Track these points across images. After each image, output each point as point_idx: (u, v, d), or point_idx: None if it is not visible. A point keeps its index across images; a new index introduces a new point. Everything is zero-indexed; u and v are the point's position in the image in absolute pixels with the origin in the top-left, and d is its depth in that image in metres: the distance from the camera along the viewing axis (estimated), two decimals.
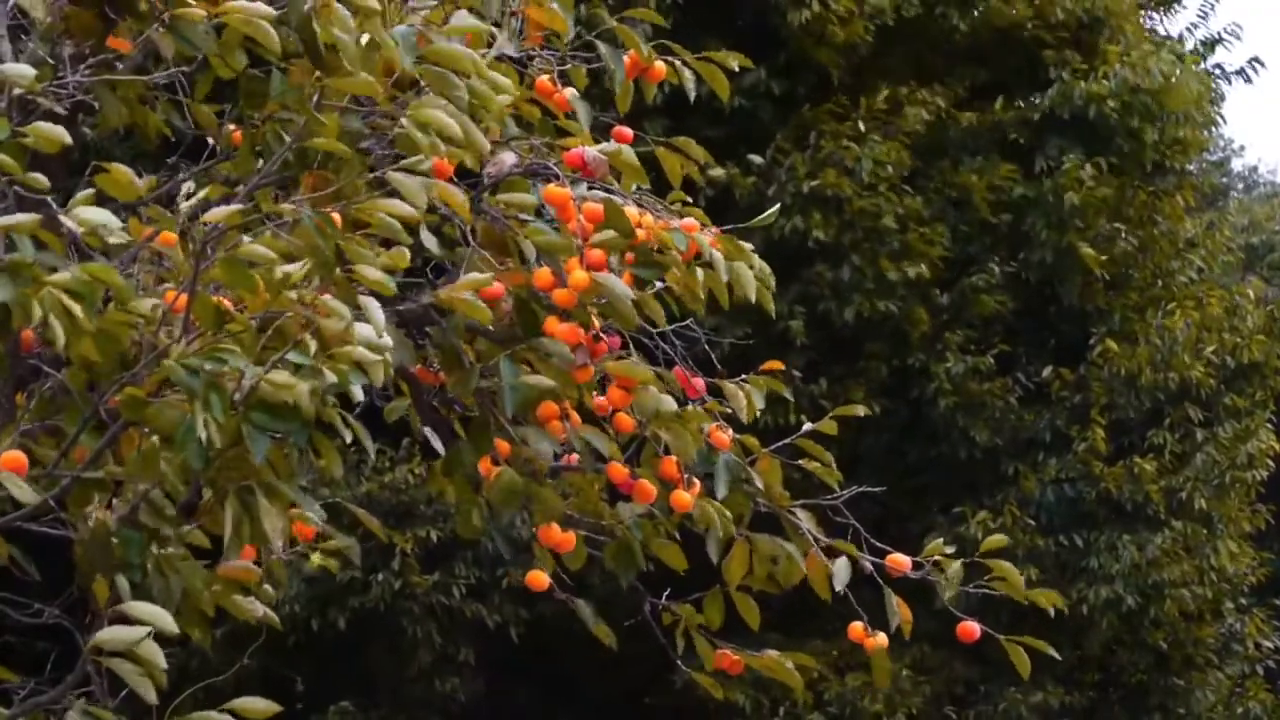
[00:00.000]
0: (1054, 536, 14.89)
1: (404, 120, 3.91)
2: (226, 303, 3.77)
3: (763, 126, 14.84)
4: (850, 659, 14.52)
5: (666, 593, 5.04)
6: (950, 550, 4.97)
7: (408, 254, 4.02)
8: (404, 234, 3.94)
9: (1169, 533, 14.98)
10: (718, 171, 14.03)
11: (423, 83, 4.08)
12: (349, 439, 3.94)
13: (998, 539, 5.03)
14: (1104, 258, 15.45)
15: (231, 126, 4.73)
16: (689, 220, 4.58)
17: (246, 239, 3.71)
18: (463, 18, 4.28)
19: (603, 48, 4.77)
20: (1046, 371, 15.42)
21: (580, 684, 15.06)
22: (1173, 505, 15.14)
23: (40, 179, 3.76)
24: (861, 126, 14.70)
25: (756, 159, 14.46)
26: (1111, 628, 15.00)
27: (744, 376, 4.88)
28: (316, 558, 4.97)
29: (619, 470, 4.66)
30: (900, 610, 4.89)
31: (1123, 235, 15.55)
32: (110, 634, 3.47)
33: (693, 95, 4.92)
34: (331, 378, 3.57)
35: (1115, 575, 14.78)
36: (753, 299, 4.54)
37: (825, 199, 14.44)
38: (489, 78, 4.12)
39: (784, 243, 14.12)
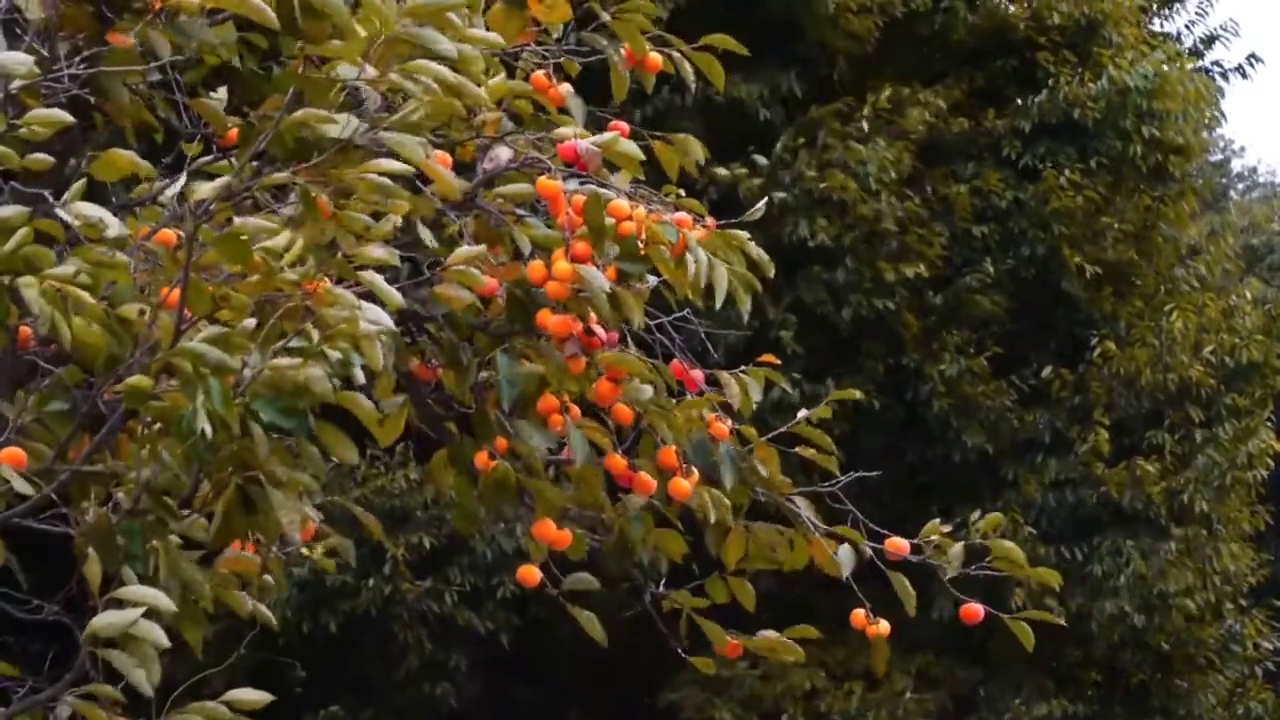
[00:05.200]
0: (1055, 545, 14.82)
1: (393, 74, 3.88)
2: (225, 288, 3.75)
3: (769, 126, 14.83)
4: (849, 666, 14.48)
5: (663, 581, 5.03)
6: (948, 529, 4.96)
7: (400, 218, 4.00)
8: (400, 191, 3.92)
9: (1173, 543, 14.92)
10: (722, 171, 14.12)
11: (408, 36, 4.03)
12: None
13: (995, 517, 5.02)
14: (1097, 260, 15.45)
15: (230, 123, 4.72)
16: (682, 215, 4.58)
17: (238, 220, 3.69)
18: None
19: (603, 40, 4.77)
20: (1046, 371, 15.39)
21: (575, 689, 15.06)
22: (1175, 509, 15.10)
23: (45, 158, 3.75)
24: (866, 126, 14.69)
25: (761, 159, 14.47)
26: (1116, 639, 14.96)
27: (743, 368, 4.87)
28: (317, 551, 4.96)
29: (617, 462, 4.66)
30: (907, 590, 4.87)
31: (1115, 233, 15.54)
32: (105, 619, 3.43)
33: (692, 87, 4.93)
34: (335, 355, 3.54)
35: (1120, 588, 14.72)
36: (719, 301, 4.50)
37: (830, 201, 14.45)
38: (471, 37, 4.09)
39: (788, 246, 14.13)
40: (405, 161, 3.88)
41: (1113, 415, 15.35)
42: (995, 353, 15.21)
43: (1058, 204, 15.22)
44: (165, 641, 3.44)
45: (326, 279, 3.71)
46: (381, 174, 3.86)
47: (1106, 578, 14.81)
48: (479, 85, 4.24)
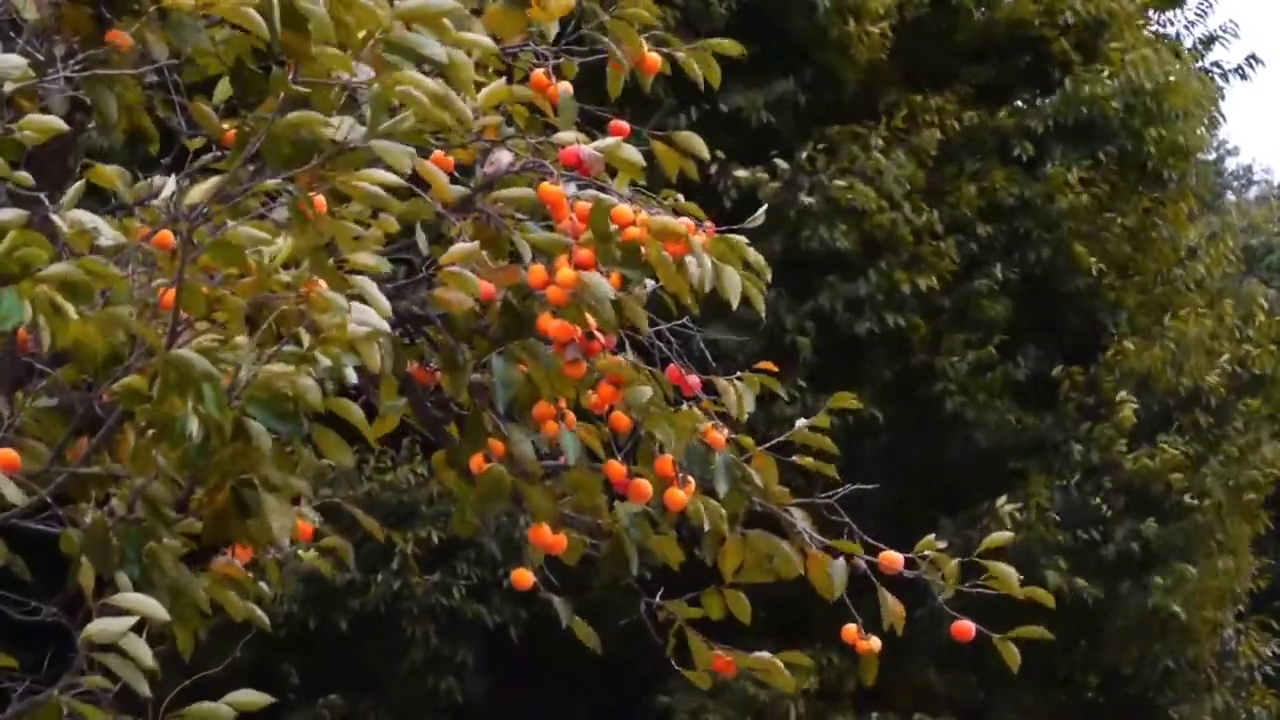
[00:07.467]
0: (1072, 531, 14.54)
1: (376, 85, 3.86)
2: (219, 291, 3.75)
3: (783, 140, 14.82)
4: (848, 679, 14.46)
5: (660, 592, 5.02)
6: (942, 546, 4.94)
7: (395, 222, 3.99)
8: (392, 201, 3.91)
9: (1211, 540, 14.78)
10: (742, 173, 14.14)
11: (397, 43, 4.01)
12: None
13: (1001, 536, 4.99)
14: (1099, 256, 15.36)
15: (227, 125, 4.71)
16: (684, 219, 4.56)
17: (232, 224, 3.69)
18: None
19: (604, 37, 4.76)
20: (1057, 370, 15.26)
21: (583, 685, 15.05)
22: (1197, 496, 14.90)
23: (25, 177, 3.74)
24: (880, 142, 14.67)
25: (781, 163, 14.46)
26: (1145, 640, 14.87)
27: (739, 374, 4.86)
28: (310, 555, 4.95)
29: (616, 469, 4.64)
30: (894, 608, 4.85)
31: (1116, 230, 15.45)
32: (100, 626, 3.46)
33: (701, 85, 4.92)
34: (326, 362, 3.54)
35: (1154, 584, 14.58)
36: (735, 305, 4.49)
37: (851, 210, 14.43)
38: (463, 40, 4.07)
39: (807, 252, 14.12)
40: (391, 169, 3.87)
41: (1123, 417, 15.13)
42: (1005, 344, 15.12)
43: (1064, 202, 15.08)
44: (149, 661, 3.46)
45: (321, 283, 3.70)
46: (374, 183, 3.85)
47: (1127, 560, 14.59)
48: (470, 91, 4.22)
